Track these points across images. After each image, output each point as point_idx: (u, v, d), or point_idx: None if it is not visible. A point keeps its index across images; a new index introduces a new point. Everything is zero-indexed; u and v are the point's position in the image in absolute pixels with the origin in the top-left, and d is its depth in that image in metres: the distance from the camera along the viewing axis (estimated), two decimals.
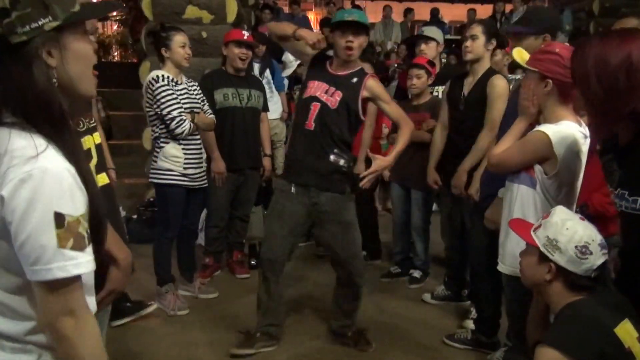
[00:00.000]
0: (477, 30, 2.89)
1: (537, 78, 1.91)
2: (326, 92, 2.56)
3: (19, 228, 0.92)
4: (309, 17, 11.67)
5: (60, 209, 0.93)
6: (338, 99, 2.55)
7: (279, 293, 2.72)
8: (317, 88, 2.58)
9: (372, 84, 2.58)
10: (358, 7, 9.68)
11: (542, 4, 12.41)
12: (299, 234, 2.75)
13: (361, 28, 2.52)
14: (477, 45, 2.87)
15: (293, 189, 2.59)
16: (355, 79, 2.58)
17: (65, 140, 0.99)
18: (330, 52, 2.71)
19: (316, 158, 2.56)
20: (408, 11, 9.69)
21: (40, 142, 0.95)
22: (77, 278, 0.96)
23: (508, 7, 9.03)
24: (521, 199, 1.98)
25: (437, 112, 3.36)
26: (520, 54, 2.03)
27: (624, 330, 1.45)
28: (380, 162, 2.51)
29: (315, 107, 2.56)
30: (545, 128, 1.90)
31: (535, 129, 1.94)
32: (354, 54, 2.54)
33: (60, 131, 0.99)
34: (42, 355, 1.02)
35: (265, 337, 2.72)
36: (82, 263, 0.96)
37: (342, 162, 2.59)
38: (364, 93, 2.57)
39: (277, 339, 2.76)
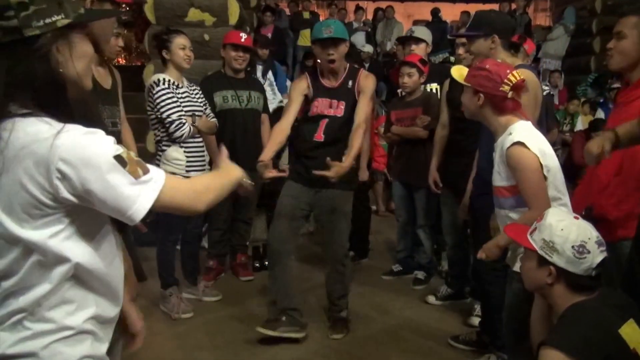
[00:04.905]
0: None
1: (471, 92, 2.01)
2: (331, 107, 2.78)
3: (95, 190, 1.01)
4: None
5: (115, 152, 1.02)
6: (343, 107, 2.77)
7: (288, 277, 2.85)
8: (323, 105, 2.79)
9: (363, 79, 2.78)
10: (361, 9, 9.72)
11: (543, 3, 12.37)
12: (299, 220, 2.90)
13: (339, 39, 2.69)
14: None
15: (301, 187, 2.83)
16: (350, 82, 2.78)
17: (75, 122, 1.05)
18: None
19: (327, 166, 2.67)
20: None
21: (56, 123, 1.01)
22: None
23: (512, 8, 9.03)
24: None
25: (430, 107, 3.41)
26: (460, 71, 2.10)
27: (629, 330, 1.44)
28: (338, 169, 2.51)
29: (323, 122, 2.79)
30: (518, 147, 1.84)
31: (512, 155, 1.86)
32: (336, 65, 2.73)
33: (69, 117, 1.04)
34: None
35: (289, 320, 2.79)
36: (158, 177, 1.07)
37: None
38: (358, 88, 2.76)
39: (302, 326, 2.83)
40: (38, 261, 1.03)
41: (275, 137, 2.74)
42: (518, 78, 1.94)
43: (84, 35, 1.09)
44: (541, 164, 1.85)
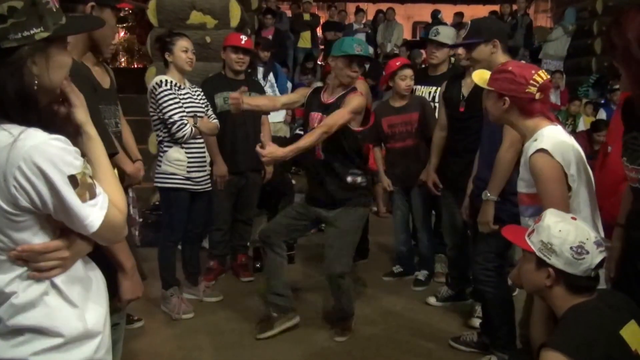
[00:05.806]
0: None
1: (495, 97, 1.92)
2: (321, 121, 2.72)
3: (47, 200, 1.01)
4: None
5: (69, 172, 1.01)
6: None
7: (277, 263, 2.90)
8: (314, 119, 2.79)
9: (350, 95, 2.69)
10: (361, 11, 9.72)
11: (544, 4, 12.36)
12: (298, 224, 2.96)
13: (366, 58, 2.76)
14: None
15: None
16: (344, 100, 2.71)
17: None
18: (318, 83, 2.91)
19: (334, 183, 2.74)
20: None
21: (15, 129, 0.99)
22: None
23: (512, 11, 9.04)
24: None
25: (427, 112, 3.41)
26: (482, 75, 2.01)
27: (630, 332, 1.44)
28: (272, 150, 2.44)
29: None
30: (541, 155, 1.77)
31: (535, 163, 1.78)
32: (355, 80, 2.78)
33: (39, 125, 1.02)
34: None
35: (281, 312, 2.88)
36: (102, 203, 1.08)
37: (359, 179, 2.77)
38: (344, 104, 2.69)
39: (293, 310, 2.93)
40: (15, 269, 1.04)
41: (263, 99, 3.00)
42: (545, 78, 1.86)
43: (63, 46, 1.08)
44: (566, 174, 1.77)
